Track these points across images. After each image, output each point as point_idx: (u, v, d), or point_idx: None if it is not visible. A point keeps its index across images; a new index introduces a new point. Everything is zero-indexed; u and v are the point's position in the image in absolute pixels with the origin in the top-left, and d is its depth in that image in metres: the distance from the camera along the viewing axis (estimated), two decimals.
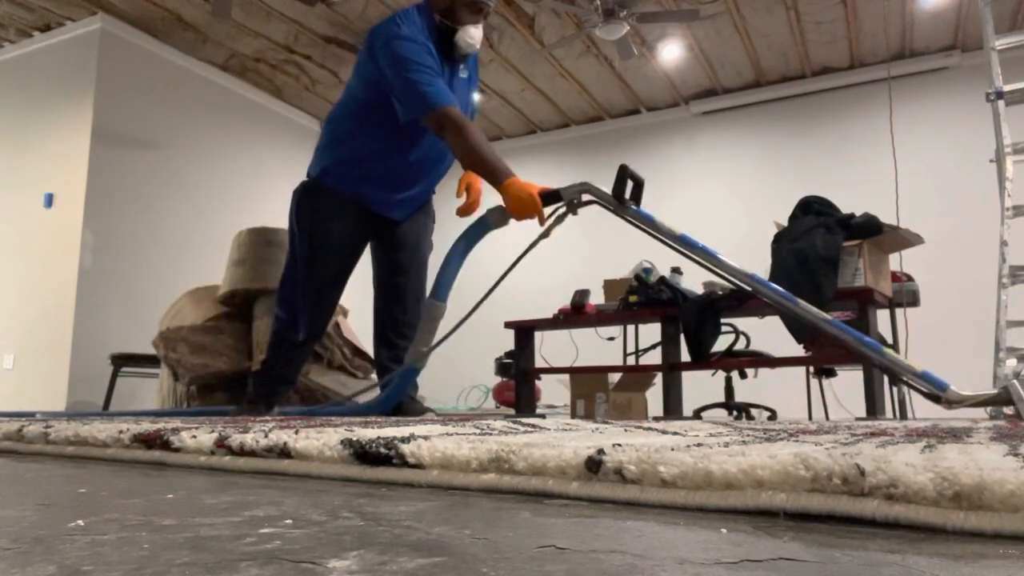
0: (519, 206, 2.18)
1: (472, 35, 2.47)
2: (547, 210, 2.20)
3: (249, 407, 2.65)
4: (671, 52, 6.19)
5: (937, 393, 1.75)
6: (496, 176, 2.23)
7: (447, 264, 2.32)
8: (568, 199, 2.18)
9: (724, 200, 6.82)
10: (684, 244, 2.11)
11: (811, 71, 6.53)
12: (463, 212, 2.40)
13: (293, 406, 3.02)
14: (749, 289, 2.12)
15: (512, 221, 2.24)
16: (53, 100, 5.63)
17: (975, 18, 5.37)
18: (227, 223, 5.46)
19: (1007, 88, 3.44)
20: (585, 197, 2.18)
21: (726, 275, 2.13)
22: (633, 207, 2.16)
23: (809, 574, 0.42)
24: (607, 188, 2.20)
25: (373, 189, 2.60)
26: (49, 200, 5.43)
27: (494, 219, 2.25)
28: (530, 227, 2.26)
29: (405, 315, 2.70)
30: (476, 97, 2.85)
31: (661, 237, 2.12)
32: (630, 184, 2.17)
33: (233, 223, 4.96)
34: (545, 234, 2.19)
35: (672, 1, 5.34)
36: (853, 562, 0.45)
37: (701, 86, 6.87)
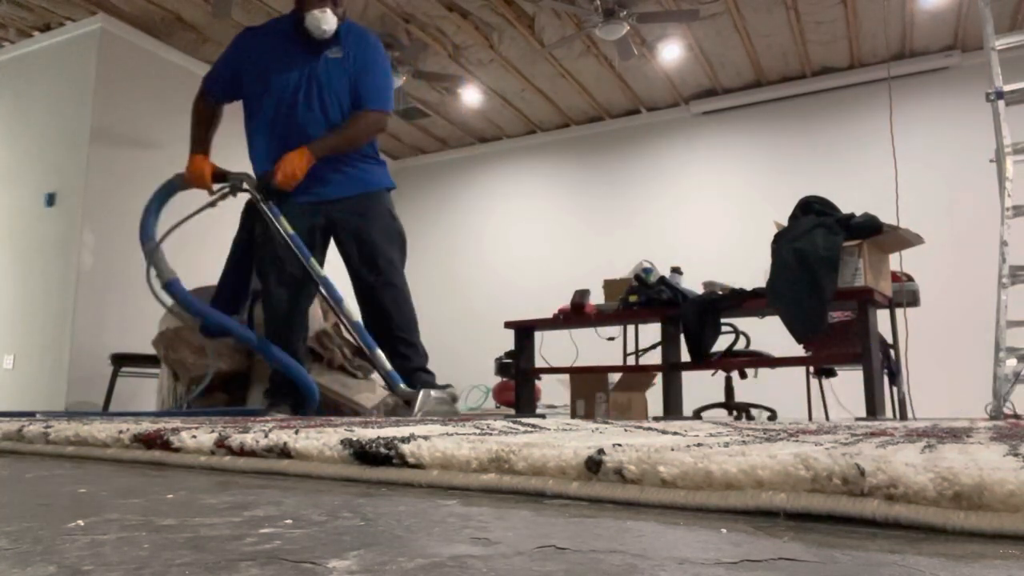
0: (191, 177, 2.88)
1: (316, 18, 2.75)
2: (216, 186, 2.85)
3: (273, 408, 2.78)
4: (671, 52, 6.19)
5: (393, 388, 2.58)
6: (190, 148, 2.93)
7: (144, 213, 3.03)
8: (231, 183, 2.83)
9: (724, 200, 6.82)
10: (295, 243, 2.73)
11: (811, 71, 6.53)
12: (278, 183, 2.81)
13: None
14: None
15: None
16: (53, 100, 5.63)
17: (975, 18, 5.37)
18: (227, 223, 5.45)
19: (1007, 88, 3.44)
20: (245, 185, 2.83)
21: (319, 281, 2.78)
22: (272, 203, 2.78)
23: (809, 574, 0.42)
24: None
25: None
26: (49, 200, 5.43)
27: (178, 182, 2.98)
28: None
29: (389, 321, 2.77)
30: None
31: (281, 231, 2.74)
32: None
33: (233, 223, 4.94)
34: (211, 204, 2.87)
35: (672, 1, 5.34)
36: (853, 562, 0.45)
37: (701, 86, 6.87)
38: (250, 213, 2.98)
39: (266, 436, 1.01)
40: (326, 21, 2.74)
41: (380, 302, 2.78)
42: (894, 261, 3.58)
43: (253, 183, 2.79)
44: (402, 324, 2.78)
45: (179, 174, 2.94)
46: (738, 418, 4.10)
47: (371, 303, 2.79)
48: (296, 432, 1.09)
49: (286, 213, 2.78)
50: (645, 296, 3.76)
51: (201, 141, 2.93)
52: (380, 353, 2.61)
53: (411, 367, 2.72)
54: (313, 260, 2.72)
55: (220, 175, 2.84)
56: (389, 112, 2.93)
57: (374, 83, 2.86)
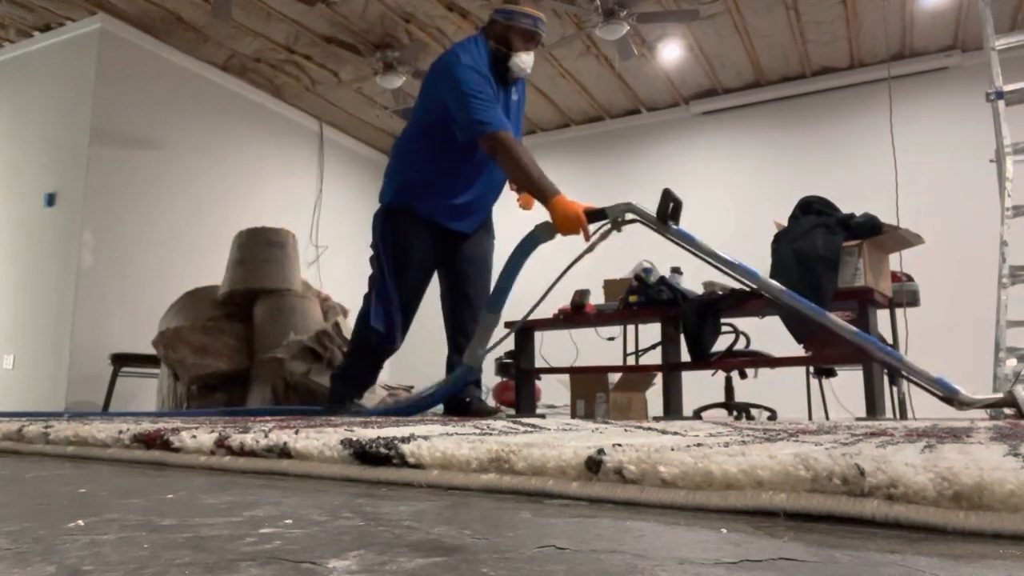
0: (565, 222, 2.41)
1: (524, 60, 2.73)
2: (592, 227, 2.39)
3: (335, 407, 2.88)
4: (671, 52, 6.19)
5: (950, 396, 2.02)
6: (543, 194, 2.48)
7: (503, 279, 2.55)
8: (613, 217, 2.33)
9: (724, 200, 6.81)
10: (721, 261, 2.28)
11: (811, 71, 6.53)
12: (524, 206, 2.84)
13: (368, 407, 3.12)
14: (784, 304, 2.31)
15: (559, 236, 2.44)
16: (53, 100, 5.63)
17: (975, 18, 5.36)
18: (227, 223, 5.46)
19: (1007, 88, 3.44)
20: (629, 216, 2.33)
21: (764, 291, 2.33)
22: (674, 226, 2.28)
23: (809, 574, 0.42)
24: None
25: (437, 199, 2.83)
26: (49, 200, 5.43)
27: (542, 234, 2.45)
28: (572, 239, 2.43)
29: (474, 322, 2.87)
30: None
31: (700, 255, 2.30)
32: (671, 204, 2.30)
33: (233, 223, 4.96)
34: (590, 248, 2.37)
35: (672, 1, 5.34)
36: (853, 562, 0.45)
37: (701, 86, 6.87)
38: (406, 235, 2.84)
39: (266, 436, 1.01)
40: (531, 64, 2.78)
41: (473, 307, 2.92)
42: (894, 261, 3.58)
43: (644, 212, 2.32)
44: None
45: (541, 225, 2.47)
46: (738, 418, 4.10)
47: (466, 303, 2.93)
48: (296, 432, 1.09)
49: (450, 233, 2.86)
50: (645, 296, 3.75)
51: (549, 181, 2.53)
52: (907, 360, 2.39)
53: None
54: None
55: (595, 212, 2.40)
56: None
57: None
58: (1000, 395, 2.06)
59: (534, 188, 2.52)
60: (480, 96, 2.56)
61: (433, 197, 2.83)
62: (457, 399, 2.91)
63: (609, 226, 2.36)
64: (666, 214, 2.26)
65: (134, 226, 5.60)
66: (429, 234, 2.85)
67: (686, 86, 6.85)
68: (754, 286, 2.30)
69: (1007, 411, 2.55)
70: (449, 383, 2.74)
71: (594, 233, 2.39)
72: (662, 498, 0.66)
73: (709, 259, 2.29)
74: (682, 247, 2.32)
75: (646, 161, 7.32)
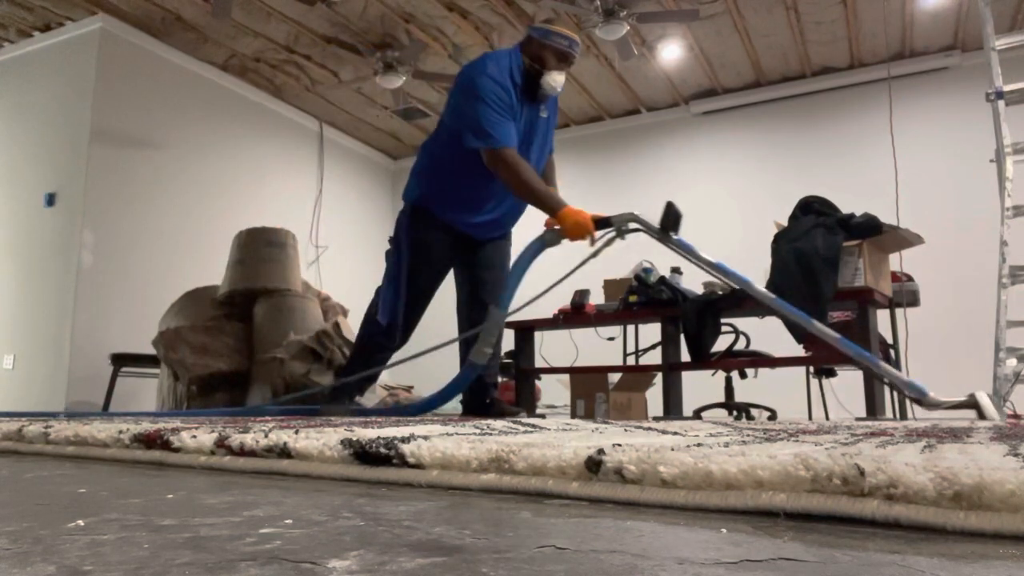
0: (575, 228, 2.56)
1: (556, 79, 2.75)
2: (597, 233, 2.58)
3: (334, 403, 2.88)
4: (671, 52, 6.19)
5: (919, 398, 2.24)
6: (550, 208, 2.62)
7: (510, 278, 2.69)
8: (617, 225, 2.53)
9: (724, 200, 6.81)
10: (717, 269, 2.47)
11: (811, 71, 6.53)
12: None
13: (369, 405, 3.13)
14: (777, 311, 2.49)
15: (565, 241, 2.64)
16: (53, 100, 5.63)
17: (975, 18, 5.36)
18: (227, 223, 5.47)
19: (1007, 88, 3.44)
20: (632, 225, 2.52)
21: (757, 298, 2.48)
22: (675, 236, 2.49)
23: (809, 574, 0.42)
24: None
25: (462, 212, 2.85)
26: (49, 200, 5.43)
27: (550, 239, 2.64)
28: (536, 225, 2.62)
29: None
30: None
31: (699, 263, 2.49)
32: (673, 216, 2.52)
33: (233, 223, 4.96)
34: (595, 254, 2.58)
35: (672, 1, 5.34)
36: (853, 562, 0.45)
37: (701, 86, 6.87)
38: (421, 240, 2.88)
39: (266, 436, 1.01)
40: (562, 84, 2.79)
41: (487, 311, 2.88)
42: (894, 261, 3.58)
43: (646, 223, 2.50)
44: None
45: (553, 230, 2.62)
46: (738, 418, 4.10)
47: (483, 308, 2.87)
48: (296, 432, 1.09)
49: (460, 237, 2.86)
50: (645, 296, 3.76)
51: (554, 191, 2.74)
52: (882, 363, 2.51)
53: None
54: None
55: (602, 220, 2.57)
56: None
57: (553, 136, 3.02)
58: (963, 398, 2.28)
59: (539, 204, 2.64)
60: (495, 107, 2.61)
61: (456, 211, 2.85)
62: (478, 400, 2.90)
63: (614, 233, 2.54)
64: (667, 225, 2.46)
65: (134, 226, 5.60)
66: (449, 237, 2.87)
67: (686, 86, 6.85)
68: (766, 302, 2.46)
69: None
70: (456, 381, 2.74)
71: (601, 238, 2.58)
72: (662, 498, 0.66)
73: (707, 267, 2.48)
74: (682, 255, 2.54)
75: (646, 161, 7.32)
